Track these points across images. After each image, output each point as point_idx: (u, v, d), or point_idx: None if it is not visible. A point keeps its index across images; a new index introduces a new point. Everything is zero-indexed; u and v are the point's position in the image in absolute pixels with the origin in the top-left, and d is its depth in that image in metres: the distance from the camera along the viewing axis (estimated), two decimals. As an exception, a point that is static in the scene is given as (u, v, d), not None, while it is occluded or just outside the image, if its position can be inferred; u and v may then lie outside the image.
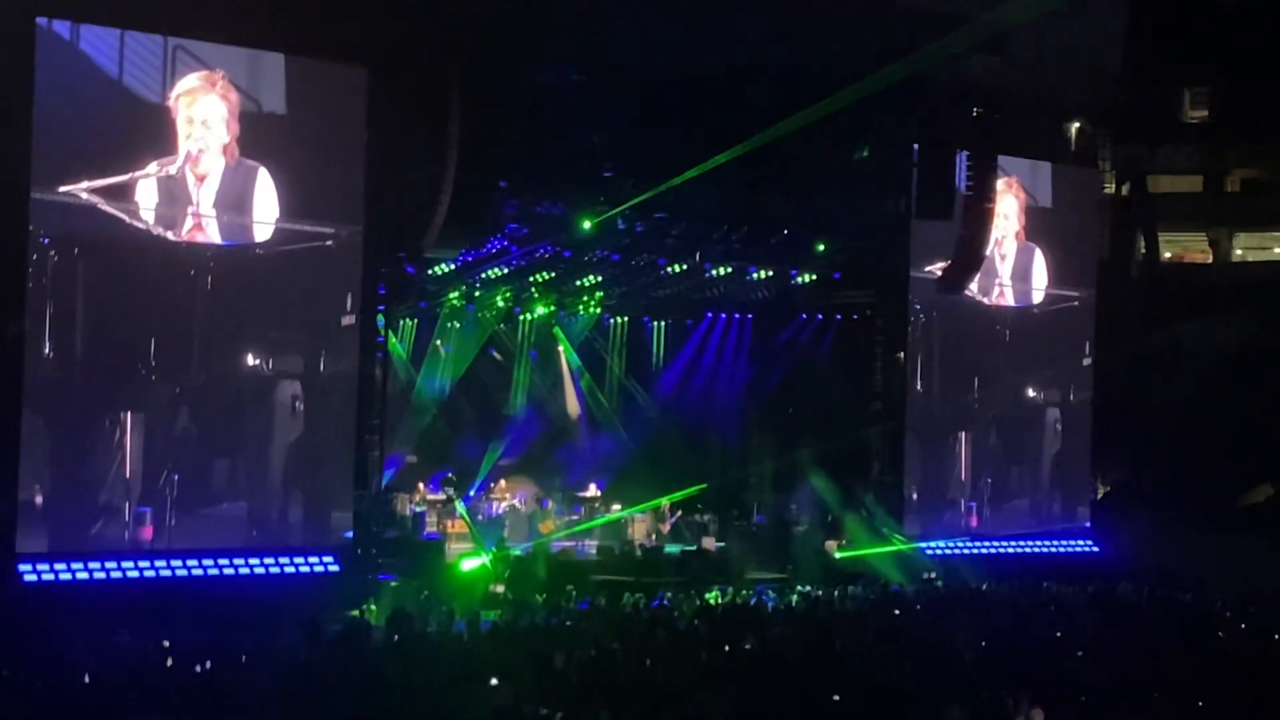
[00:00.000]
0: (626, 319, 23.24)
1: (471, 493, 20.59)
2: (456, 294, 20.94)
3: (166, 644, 10.68)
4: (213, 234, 14.66)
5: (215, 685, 9.08)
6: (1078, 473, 22.28)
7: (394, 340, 19.66)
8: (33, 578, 13.25)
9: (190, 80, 14.36)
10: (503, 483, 21.03)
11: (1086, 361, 21.80)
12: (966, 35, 14.98)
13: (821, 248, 19.81)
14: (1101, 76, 20.32)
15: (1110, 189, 22.82)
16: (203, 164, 14.45)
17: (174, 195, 14.32)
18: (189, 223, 14.49)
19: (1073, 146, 21.24)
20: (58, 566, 13.45)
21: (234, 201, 14.68)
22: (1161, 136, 26.94)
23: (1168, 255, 28.91)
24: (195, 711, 8.22)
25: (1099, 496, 23.95)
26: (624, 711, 8.70)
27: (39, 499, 13.97)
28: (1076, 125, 21.13)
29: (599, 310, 22.84)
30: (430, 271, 19.13)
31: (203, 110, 14.42)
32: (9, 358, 13.56)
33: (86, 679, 9.12)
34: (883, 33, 14.43)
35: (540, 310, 22.31)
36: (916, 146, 18.25)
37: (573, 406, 23.02)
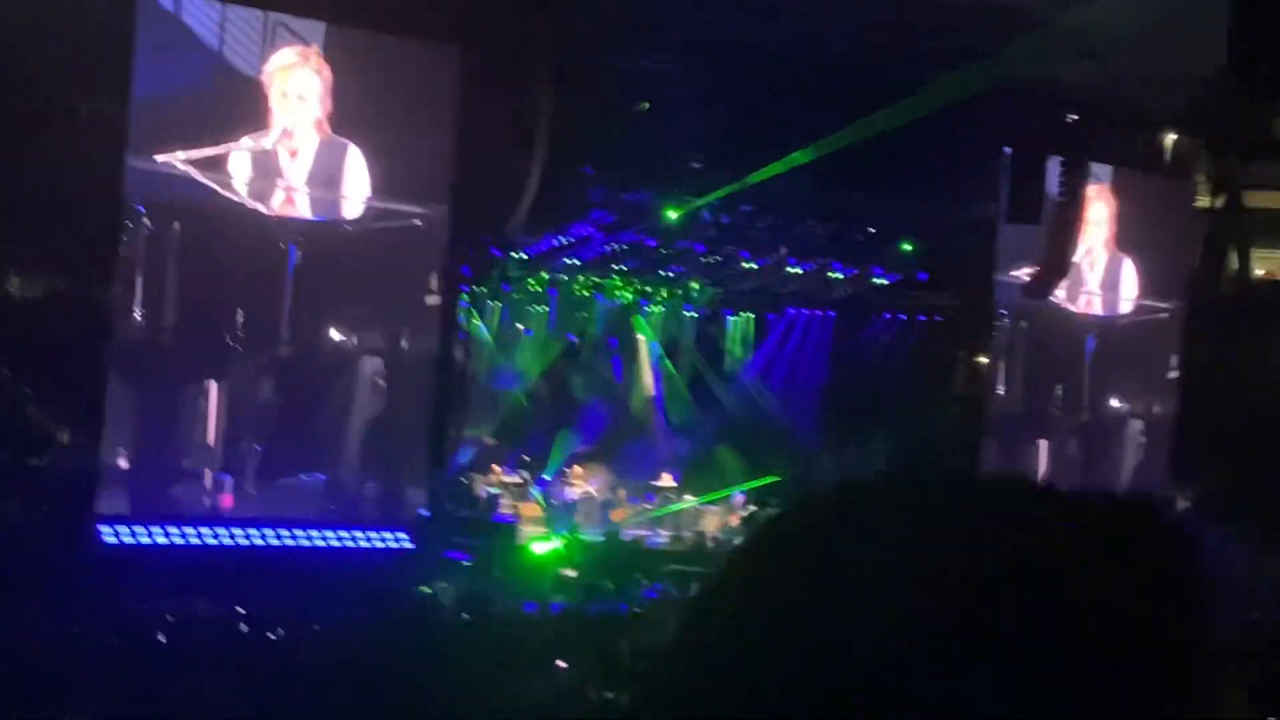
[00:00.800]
0: (708, 310, 23.20)
1: (546, 477, 20.63)
2: (539, 278, 21.00)
3: (241, 610, 10.83)
4: (303, 208, 14.78)
5: (287, 653, 9.18)
6: (1157, 485, 22.05)
7: (476, 321, 19.74)
8: (112, 539, 13.41)
9: (285, 55, 14.46)
10: (577, 468, 21.04)
11: (1172, 374, 21.53)
12: (1064, 38, 14.87)
13: (908, 248, 19.72)
14: (1199, 88, 20.06)
15: (1203, 202, 22.52)
16: (296, 138, 14.56)
17: (266, 168, 14.44)
18: (280, 196, 14.62)
19: (1167, 157, 20.98)
20: (137, 529, 13.60)
21: (325, 177, 14.79)
22: (1257, 152, 26.58)
23: (1259, 272, 28.55)
24: (267, 678, 8.33)
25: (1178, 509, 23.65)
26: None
27: (122, 462, 14.16)
28: (1172, 136, 20.88)
29: (680, 300, 22.82)
30: (514, 255, 19.20)
31: (297, 85, 14.51)
32: (98, 322, 13.74)
33: (162, 639, 9.26)
34: (979, 31, 14.31)
35: (622, 298, 22.32)
36: (1008, 149, 18.11)
37: (650, 395, 22.99)
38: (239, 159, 14.26)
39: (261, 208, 14.50)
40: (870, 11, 14.36)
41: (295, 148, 14.57)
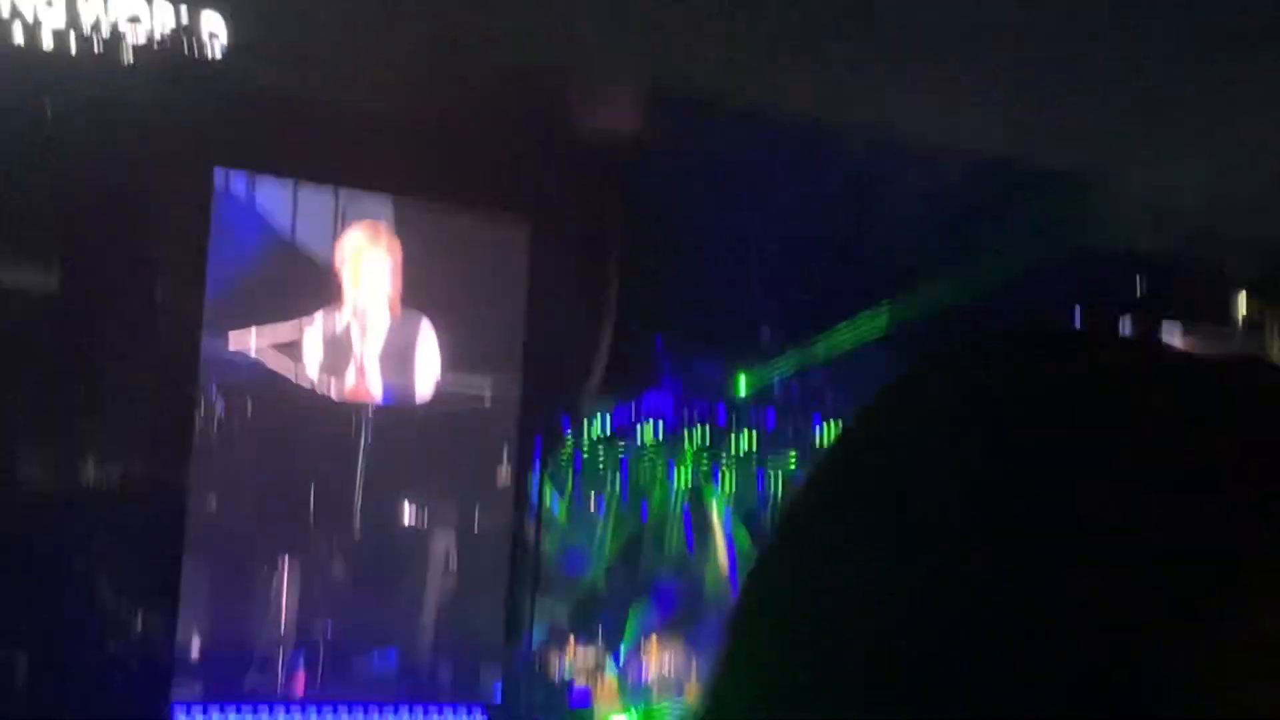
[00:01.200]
0: (782, 478, 23.06)
1: (622, 654, 20.39)
2: (611, 451, 20.95)
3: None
4: (375, 388, 14.85)
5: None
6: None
7: (548, 497, 19.67)
8: (186, 724, 13.32)
9: (356, 235, 14.65)
10: (653, 644, 20.79)
11: None
12: (1132, 200, 14.87)
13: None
14: (1270, 247, 20.02)
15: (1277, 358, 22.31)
16: (368, 317, 14.68)
17: (339, 350, 14.55)
18: (352, 378, 14.70)
19: (1241, 316, 20.86)
20: (212, 712, 13.49)
21: (397, 355, 14.88)
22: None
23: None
24: None
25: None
26: None
27: (196, 645, 14.10)
28: (1244, 294, 20.79)
29: (754, 471, 22.70)
30: (586, 427, 19.19)
31: (368, 264, 14.67)
32: (173, 505, 13.78)
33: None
34: (1048, 196, 14.34)
35: (694, 469, 22.23)
36: (1078, 308, 18.04)
37: (724, 568, 22.79)
38: (311, 339, 14.39)
39: (334, 388, 14.58)
40: (950, 179, 14.42)
41: (367, 328, 14.68)
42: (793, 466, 22.64)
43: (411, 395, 15.04)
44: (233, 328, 13.88)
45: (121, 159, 12.71)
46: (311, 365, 14.40)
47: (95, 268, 13.02)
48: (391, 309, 14.80)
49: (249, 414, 14.26)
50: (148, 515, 13.50)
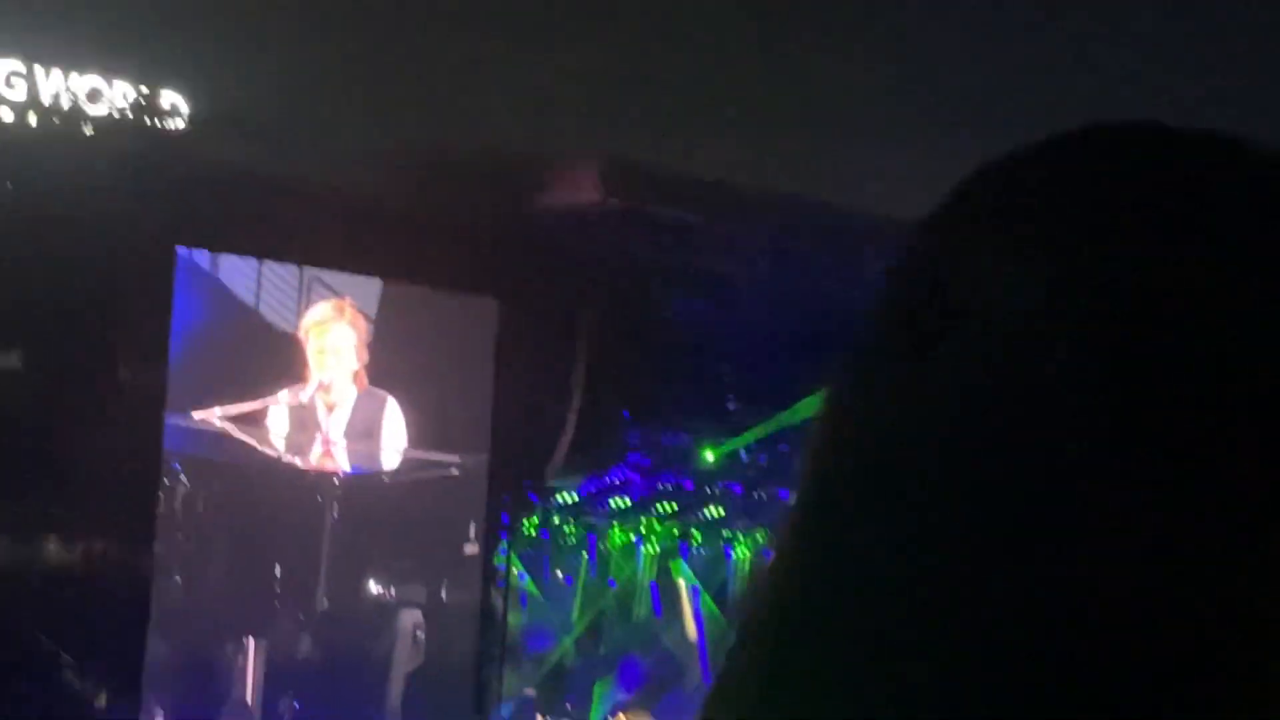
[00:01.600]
0: (750, 552, 23.04)
1: (590, 727, 20.32)
2: (578, 524, 20.95)
3: None
4: (341, 461, 14.83)
5: None
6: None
7: (516, 570, 19.62)
8: (152, 804, 13.20)
9: (320, 310, 14.65)
10: (621, 717, 20.73)
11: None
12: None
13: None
14: None
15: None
16: (333, 392, 14.67)
17: (304, 423, 14.54)
18: (318, 450, 14.68)
19: None
20: (179, 793, 13.39)
21: (364, 429, 14.87)
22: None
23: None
24: None
25: None
26: None
27: (161, 723, 14.01)
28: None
29: (720, 543, 22.70)
30: (552, 501, 19.18)
31: (333, 339, 14.68)
32: (138, 582, 13.71)
33: None
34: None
35: (661, 542, 22.22)
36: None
37: (693, 640, 22.73)
38: (276, 414, 14.36)
39: (299, 462, 14.56)
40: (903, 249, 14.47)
41: (333, 401, 14.68)
42: (760, 539, 22.65)
43: (378, 467, 15.03)
44: (196, 404, 13.86)
45: (84, 237, 12.72)
46: (277, 439, 14.38)
47: (58, 346, 12.99)
48: (357, 383, 14.79)
49: (214, 490, 14.23)
50: (113, 594, 13.42)
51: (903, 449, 0.84)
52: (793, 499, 0.97)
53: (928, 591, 0.78)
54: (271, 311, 14.50)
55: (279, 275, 14.54)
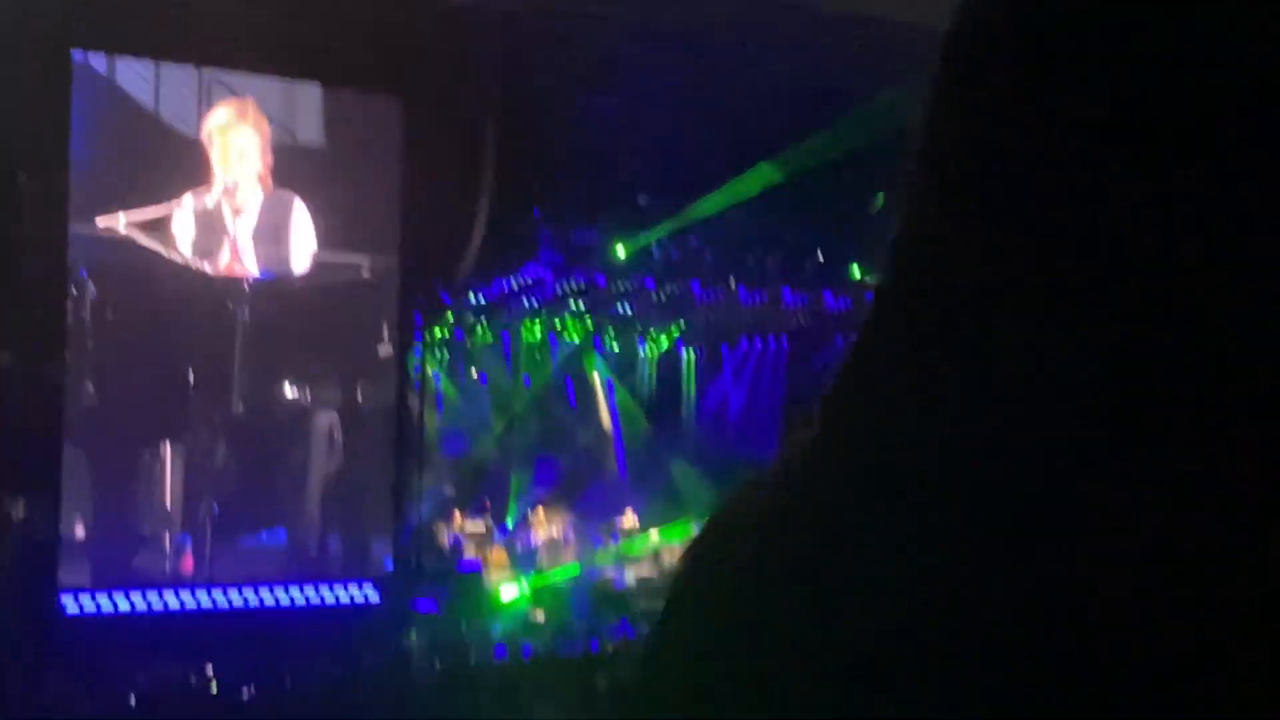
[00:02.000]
0: (661, 345, 23.22)
1: (509, 522, 20.57)
2: (491, 323, 20.97)
3: (210, 672, 10.72)
4: (250, 266, 14.70)
5: (260, 712, 9.08)
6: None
7: (430, 370, 19.67)
8: (75, 610, 13.27)
9: (222, 112, 14.41)
10: (540, 512, 20.99)
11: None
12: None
13: (857, 271, 19.79)
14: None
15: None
16: (239, 195, 14.49)
17: (211, 227, 14.38)
18: (226, 255, 14.54)
19: None
20: (100, 598, 13.46)
21: (271, 233, 14.73)
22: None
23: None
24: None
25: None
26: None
27: (80, 531, 14.02)
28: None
29: (634, 337, 22.84)
30: (465, 300, 19.17)
31: (236, 142, 14.46)
32: (50, 391, 13.62)
33: (132, 703, 9.15)
34: (924, 51, 14.36)
35: (575, 338, 22.32)
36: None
37: (608, 434, 22.98)
38: (182, 219, 14.19)
39: (207, 267, 14.43)
40: (812, 37, 14.42)
41: (239, 205, 14.51)
42: (674, 332, 22.82)
43: (288, 270, 14.92)
44: (100, 211, 13.65)
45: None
46: (184, 244, 14.22)
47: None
48: (262, 185, 14.61)
49: (122, 297, 14.10)
50: (25, 406, 13.34)
51: (902, 449, 0.82)
52: (783, 497, 0.91)
53: (927, 591, 0.77)
54: (172, 115, 14.26)
55: (178, 78, 14.26)
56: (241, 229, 14.56)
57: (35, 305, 13.49)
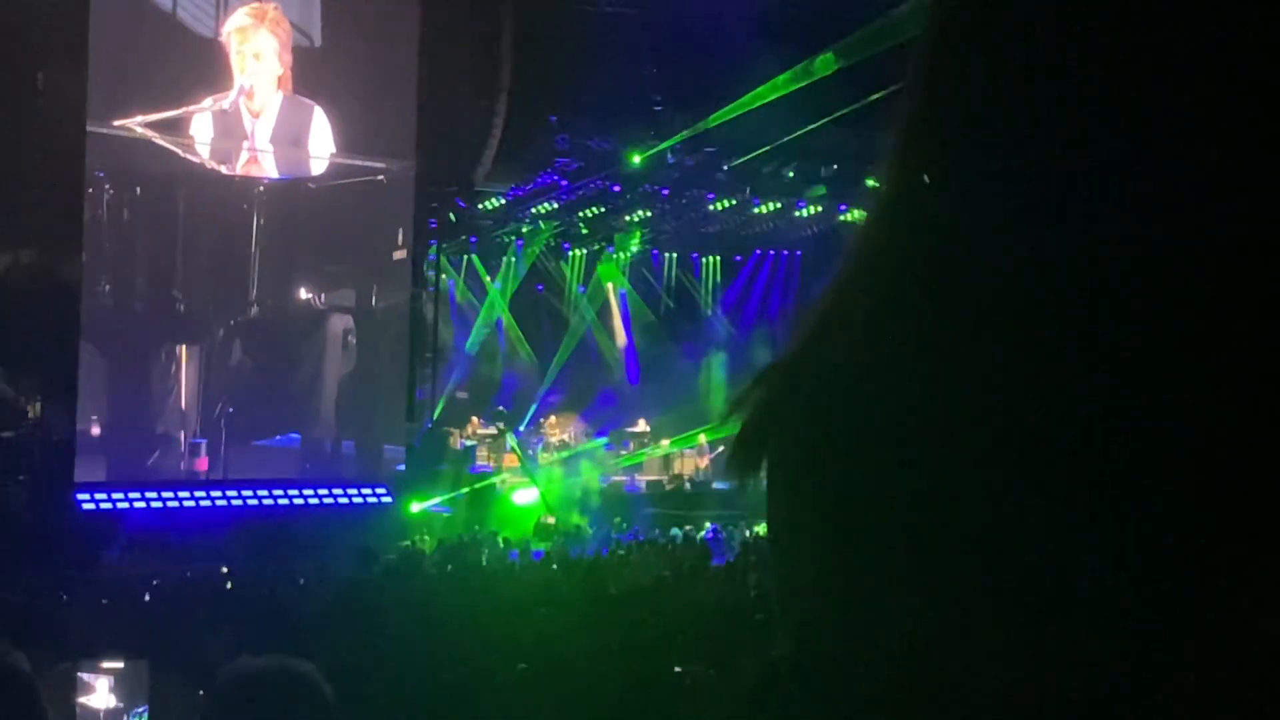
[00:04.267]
0: (675, 254, 23.21)
1: (522, 427, 20.70)
2: (507, 229, 20.98)
3: (225, 569, 10.85)
4: (268, 168, 14.72)
5: (274, 607, 9.21)
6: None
7: (445, 275, 19.73)
8: (90, 506, 13.41)
9: (241, 15, 14.37)
10: (552, 418, 21.12)
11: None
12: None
13: (871, 182, 19.67)
14: None
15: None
16: (257, 98, 14.47)
17: (229, 129, 14.37)
18: (244, 157, 14.55)
19: None
20: (115, 495, 13.59)
21: (289, 136, 14.72)
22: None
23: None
24: (254, 633, 8.34)
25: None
26: (679, 638, 8.77)
27: (96, 430, 14.15)
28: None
29: (648, 245, 22.83)
30: (481, 206, 19.18)
31: (255, 44, 14.42)
32: (67, 292, 13.69)
33: (147, 597, 9.27)
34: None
35: (589, 245, 22.32)
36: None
37: (621, 342, 23.04)
38: (201, 121, 14.19)
39: (224, 169, 14.44)
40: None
41: (257, 108, 14.49)
42: (688, 240, 22.79)
43: (305, 172, 14.93)
44: (117, 113, 13.66)
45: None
46: (202, 146, 14.23)
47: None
48: (282, 88, 14.59)
49: (138, 197, 14.13)
50: (43, 305, 13.42)
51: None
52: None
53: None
54: (189, 17, 14.22)
55: (196, -20, 14.22)
56: (260, 131, 14.55)
57: (52, 205, 13.54)
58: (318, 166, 14.92)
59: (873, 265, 0.82)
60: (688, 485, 19.40)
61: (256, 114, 14.48)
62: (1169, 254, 0.69)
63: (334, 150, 14.82)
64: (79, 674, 4.74)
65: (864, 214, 0.84)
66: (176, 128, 14.02)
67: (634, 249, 22.83)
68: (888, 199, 0.83)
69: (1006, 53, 0.76)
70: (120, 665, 4.82)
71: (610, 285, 22.94)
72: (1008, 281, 0.73)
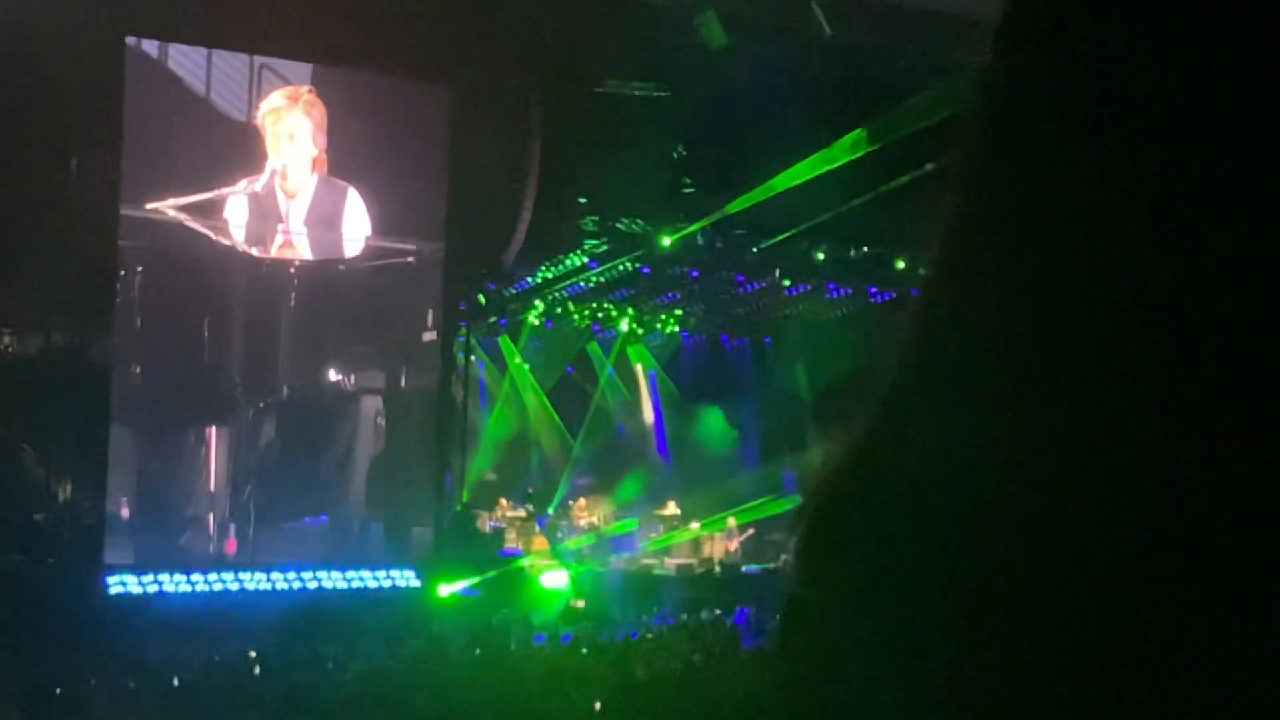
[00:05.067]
0: (705, 337, 23.23)
1: (551, 509, 20.64)
2: (536, 312, 21.03)
3: (253, 654, 10.80)
4: (303, 250, 14.76)
5: (303, 693, 9.15)
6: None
7: (474, 357, 19.74)
8: (119, 589, 13.37)
9: (276, 97, 14.48)
10: (581, 500, 21.05)
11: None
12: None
13: (901, 264, 19.72)
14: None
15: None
16: (292, 180, 14.54)
17: (264, 212, 14.44)
18: (279, 240, 14.61)
19: None
20: (144, 578, 13.57)
21: (324, 217, 14.78)
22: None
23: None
24: (282, 716, 8.31)
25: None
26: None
27: (125, 512, 14.16)
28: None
29: (678, 328, 22.85)
30: (510, 289, 19.23)
31: (290, 126, 14.51)
32: (98, 373, 13.73)
33: (175, 683, 9.23)
34: (967, 43, 14.30)
35: (618, 327, 22.35)
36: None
37: (649, 424, 23.01)
38: (235, 204, 14.26)
39: (258, 250, 14.49)
40: (857, 30, 14.40)
41: (293, 189, 14.56)
42: (718, 323, 22.81)
43: (340, 254, 14.96)
44: (150, 196, 13.75)
45: (31, 33, 12.49)
46: (236, 229, 14.30)
47: (9, 141, 12.80)
48: (316, 168, 14.65)
49: (170, 280, 14.19)
50: (74, 387, 13.46)
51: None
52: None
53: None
54: (223, 101, 14.34)
55: (229, 64, 14.34)
56: (295, 213, 14.61)
57: (85, 289, 13.60)
58: (352, 249, 14.96)
59: (932, 376, 0.80)
60: (717, 569, 19.29)
61: (292, 195, 14.54)
62: (1252, 356, 0.67)
63: (369, 232, 14.86)
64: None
65: (911, 311, 0.82)
66: (209, 211, 14.09)
67: (663, 331, 22.85)
68: (940, 303, 0.81)
69: (1074, 144, 0.73)
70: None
71: (639, 367, 22.95)
72: (1085, 389, 0.71)
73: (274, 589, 14.15)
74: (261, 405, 15.07)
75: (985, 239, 0.78)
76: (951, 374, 0.77)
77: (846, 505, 0.82)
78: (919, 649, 0.75)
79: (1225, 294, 0.68)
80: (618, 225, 17.69)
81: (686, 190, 17.17)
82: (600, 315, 21.86)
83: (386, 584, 14.85)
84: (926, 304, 0.82)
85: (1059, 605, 0.70)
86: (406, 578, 15.00)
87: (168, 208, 13.86)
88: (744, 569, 19.32)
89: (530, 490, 20.83)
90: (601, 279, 19.53)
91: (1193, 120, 0.70)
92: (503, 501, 20.12)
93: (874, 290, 20.59)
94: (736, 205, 16.59)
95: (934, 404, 0.78)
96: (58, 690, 8.76)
